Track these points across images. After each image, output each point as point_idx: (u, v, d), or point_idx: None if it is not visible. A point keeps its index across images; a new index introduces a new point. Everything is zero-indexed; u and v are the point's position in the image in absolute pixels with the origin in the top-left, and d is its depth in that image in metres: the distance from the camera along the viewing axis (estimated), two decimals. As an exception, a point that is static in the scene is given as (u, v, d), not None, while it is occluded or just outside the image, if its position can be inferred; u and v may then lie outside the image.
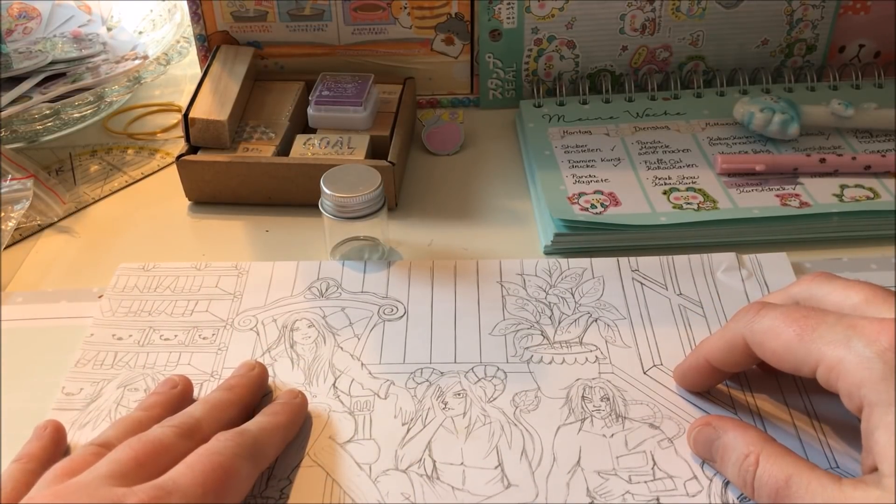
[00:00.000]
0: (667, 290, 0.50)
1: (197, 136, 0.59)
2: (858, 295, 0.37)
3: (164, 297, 0.51)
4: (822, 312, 0.36)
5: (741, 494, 0.38)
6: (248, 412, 0.42)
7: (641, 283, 0.51)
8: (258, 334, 0.48)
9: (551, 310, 0.49)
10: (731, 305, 0.48)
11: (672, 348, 0.46)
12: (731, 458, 0.37)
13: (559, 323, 0.48)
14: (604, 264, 0.52)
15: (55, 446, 0.41)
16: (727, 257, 0.52)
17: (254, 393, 0.43)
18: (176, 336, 0.48)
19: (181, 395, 0.43)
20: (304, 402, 0.43)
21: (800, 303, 0.40)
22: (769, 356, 0.37)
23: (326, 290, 0.51)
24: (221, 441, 0.37)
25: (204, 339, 0.48)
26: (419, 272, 0.52)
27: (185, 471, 0.35)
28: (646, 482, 0.39)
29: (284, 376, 0.45)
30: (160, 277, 0.52)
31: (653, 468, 0.40)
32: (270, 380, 0.45)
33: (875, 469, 0.33)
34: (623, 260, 0.52)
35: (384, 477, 0.40)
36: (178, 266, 0.53)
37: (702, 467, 0.40)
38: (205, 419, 0.39)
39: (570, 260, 0.52)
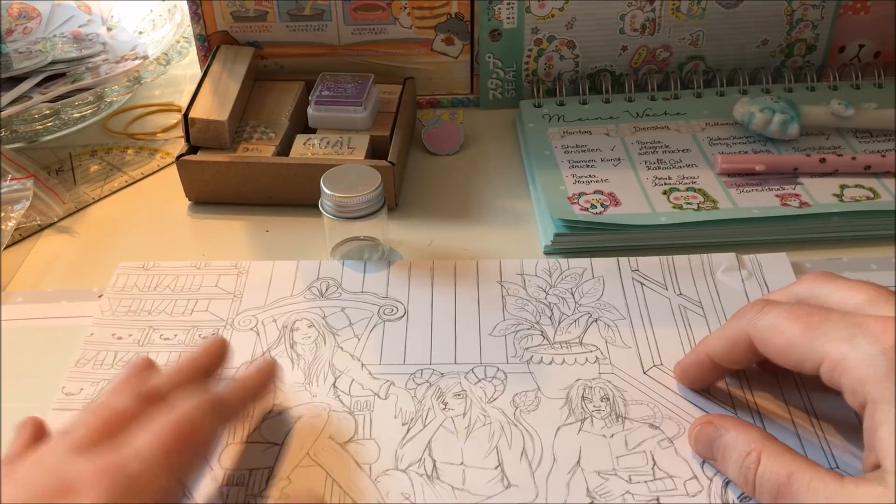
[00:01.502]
0: (667, 290, 0.50)
1: (197, 136, 0.59)
2: (861, 295, 0.37)
3: (164, 297, 0.51)
4: (826, 310, 0.36)
5: (741, 494, 0.38)
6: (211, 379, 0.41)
7: (641, 284, 0.51)
8: (258, 334, 0.48)
9: (551, 310, 0.49)
10: (731, 306, 0.48)
11: (672, 348, 0.46)
12: (733, 457, 0.37)
13: (559, 323, 0.48)
14: (604, 264, 0.52)
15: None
16: (727, 257, 0.52)
17: (214, 359, 0.41)
18: (176, 336, 0.48)
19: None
20: (272, 363, 0.42)
21: (802, 301, 0.40)
22: (772, 352, 0.37)
23: (326, 290, 0.51)
24: (178, 398, 0.36)
25: (204, 338, 0.48)
26: (419, 272, 0.52)
27: (141, 433, 0.33)
28: (646, 482, 0.39)
29: (284, 376, 0.45)
30: (160, 276, 0.52)
31: (653, 468, 0.40)
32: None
33: (877, 466, 0.33)
34: (623, 260, 0.52)
35: (384, 477, 0.40)
36: (177, 265, 0.53)
37: (702, 467, 0.40)
38: (164, 385, 0.38)
39: (570, 260, 0.52)
